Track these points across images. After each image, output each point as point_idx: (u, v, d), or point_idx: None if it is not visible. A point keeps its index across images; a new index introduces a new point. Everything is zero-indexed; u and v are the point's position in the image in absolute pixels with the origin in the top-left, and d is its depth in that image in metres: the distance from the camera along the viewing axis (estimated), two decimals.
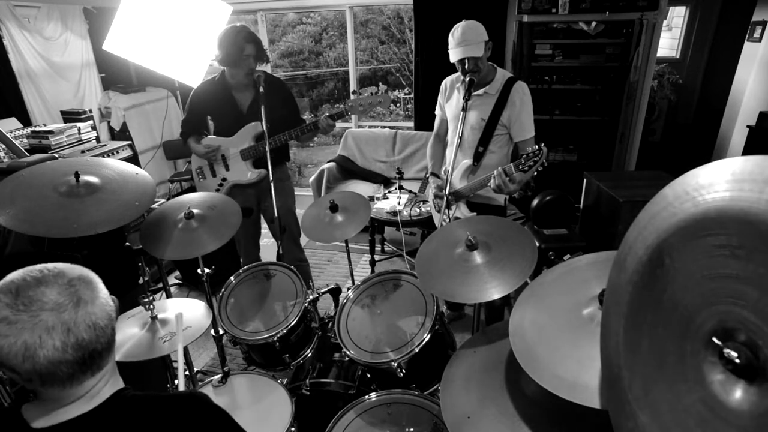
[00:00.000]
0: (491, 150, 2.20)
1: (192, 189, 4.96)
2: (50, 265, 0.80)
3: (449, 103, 2.31)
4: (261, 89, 2.25)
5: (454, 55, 2.06)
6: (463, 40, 2.01)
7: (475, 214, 2.21)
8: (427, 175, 2.42)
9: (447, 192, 2.05)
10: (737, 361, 0.49)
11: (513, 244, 1.45)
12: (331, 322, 1.85)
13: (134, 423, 0.84)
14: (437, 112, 2.43)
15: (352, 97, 2.34)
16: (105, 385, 0.85)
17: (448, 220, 2.13)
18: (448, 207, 2.08)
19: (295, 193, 2.84)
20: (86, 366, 0.79)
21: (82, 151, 3.52)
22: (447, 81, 2.34)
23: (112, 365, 0.88)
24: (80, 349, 0.77)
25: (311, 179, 4.33)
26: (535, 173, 1.92)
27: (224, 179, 2.58)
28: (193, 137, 2.60)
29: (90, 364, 0.80)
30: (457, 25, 2.05)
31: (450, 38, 2.06)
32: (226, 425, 0.91)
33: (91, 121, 3.92)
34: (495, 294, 1.32)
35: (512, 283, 1.33)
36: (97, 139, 3.89)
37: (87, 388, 0.82)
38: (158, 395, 0.89)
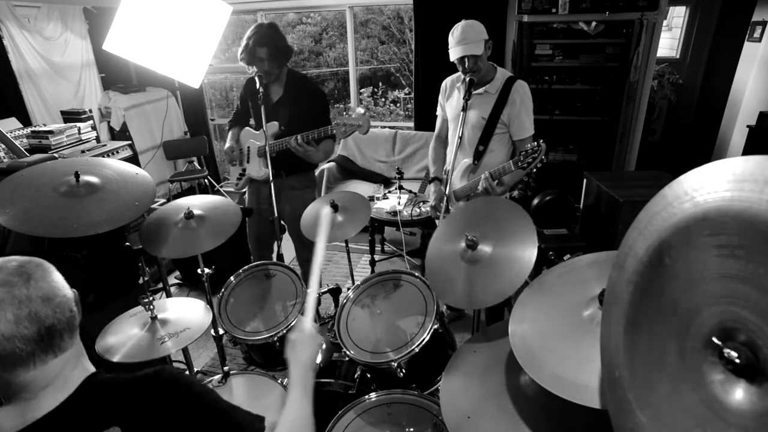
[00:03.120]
0: (491, 149, 2.19)
1: (191, 189, 4.97)
2: (2, 259, 0.81)
3: (449, 102, 2.31)
4: (260, 89, 2.25)
5: (453, 54, 2.06)
6: (462, 39, 2.01)
7: None
8: (429, 180, 2.41)
9: (447, 191, 2.05)
10: (737, 361, 0.49)
11: (509, 225, 1.44)
12: (331, 322, 1.85)
13: (101, 411, 0.82)
14: (438, 112, 2.43)
15: (343, 114, 2.28)
16: (73, 371, 0.84)
17: None
18: (448, 209, 2.08)
19: None
20: (45, 343, 0.78)
21: (82, 151, 3.52)
22: (447, 81, 2.34)
23: (77, 350, 0.86)
24: (36, 321, 0.76)
25: None
26: (534, 170, 1.92)
27: (244, 170, 2.62)
28: (236, 127, 2.65)
29: (49, 341, 0.78)
30: (457, 25, 2.05)
31: (450, 37, 2.06)
32: (188, 398, 0.87)
33: (91, 121, 3.92)
34: (508, 292, 1.30)
35: (518, 274, 1.31)
36: (97, 139, 3.90)
37: (53, 372, 0.80)
38: (123, 377, 0.87)
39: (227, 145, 2.61)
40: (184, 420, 0.85)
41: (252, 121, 2.64)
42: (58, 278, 0.83)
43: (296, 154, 2.31)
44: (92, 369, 0.89)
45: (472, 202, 1.74)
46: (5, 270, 0.78)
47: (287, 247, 2.38)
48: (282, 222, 2.53)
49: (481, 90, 2.15)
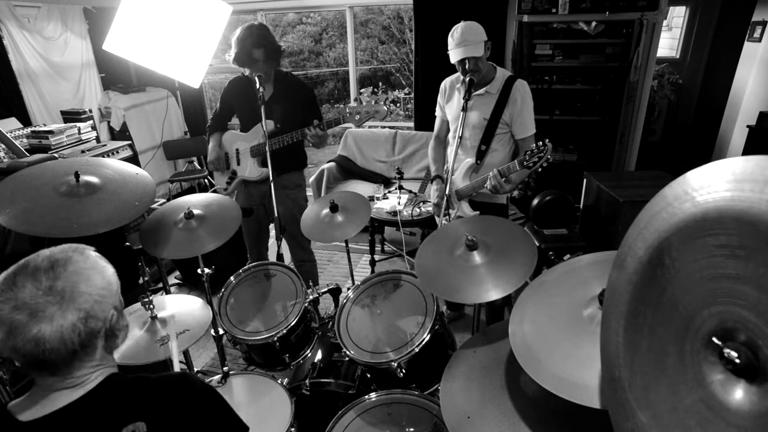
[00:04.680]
0: (494, 148, 2.20)
1: (191, 189, 4.97)
2: (57, 249, 0.90)
3: (450, 104, 2.31)
4: (260, 89, 2.25)
5: (454, 56, 2.06)
6: (462, 41, 2.01)
7: (477, 213, 2.22)
8: (431, 178, 2.41)
9: (447, 191, 2.05)
10: (737, 361, 0.49)
11: (512, 243, 1.45)
12: (331, 322, 1.85)
13: (124, 407, 0.85)
14: (437, 113, 2.43)
15: (352, 103, 2.32)
16: (94, 372, 0.86)
17: (448, 220, 2.13)
18: (449, 208, 2.08)
19: None
20: (77, 355, 0.82)
21: (82, 151, 3.52)
22: (446, 82, 2.34)
23: (100, 357, 0.88)
24: (61, 342, 0.79)
25: (311, 179, 4.33)
26: (540, 169, 1.92)
27: (234, 173, 2.60)
28: (217, 133, 2.64)
29: (81, 353, 0.82)
30: (456, 26, 2.05)
31: (449, 39, 2.06)
32: (214, 405, 0.92)
33: (91, 121, 3.92)
34: (494, 294, 1.32)
35: (513, 283, 1.33)
36: (97, 139, 3.90)
37: (72, 376, 0.83)
38: (148, 377, 0.89)
39: (212, 156, 2.56)
40: (207, 421, 0.89)
41: (234, 121, 2.62)
42: (97, 282, 0.86)
43: (292, 147, 2.36)
44: (113, 369, 0.91)
45: (484, 217, 1.74)
46: (37, 278, 0.83)
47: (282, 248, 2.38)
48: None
49: (481, 90, 2.15)
